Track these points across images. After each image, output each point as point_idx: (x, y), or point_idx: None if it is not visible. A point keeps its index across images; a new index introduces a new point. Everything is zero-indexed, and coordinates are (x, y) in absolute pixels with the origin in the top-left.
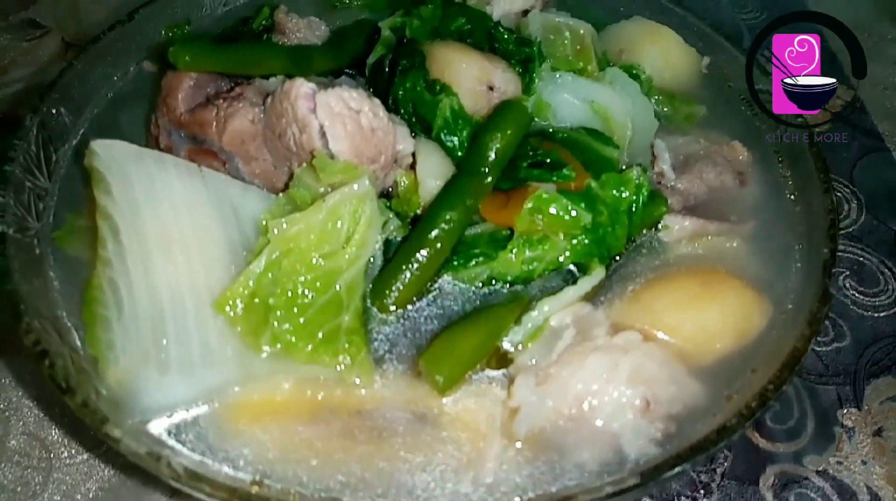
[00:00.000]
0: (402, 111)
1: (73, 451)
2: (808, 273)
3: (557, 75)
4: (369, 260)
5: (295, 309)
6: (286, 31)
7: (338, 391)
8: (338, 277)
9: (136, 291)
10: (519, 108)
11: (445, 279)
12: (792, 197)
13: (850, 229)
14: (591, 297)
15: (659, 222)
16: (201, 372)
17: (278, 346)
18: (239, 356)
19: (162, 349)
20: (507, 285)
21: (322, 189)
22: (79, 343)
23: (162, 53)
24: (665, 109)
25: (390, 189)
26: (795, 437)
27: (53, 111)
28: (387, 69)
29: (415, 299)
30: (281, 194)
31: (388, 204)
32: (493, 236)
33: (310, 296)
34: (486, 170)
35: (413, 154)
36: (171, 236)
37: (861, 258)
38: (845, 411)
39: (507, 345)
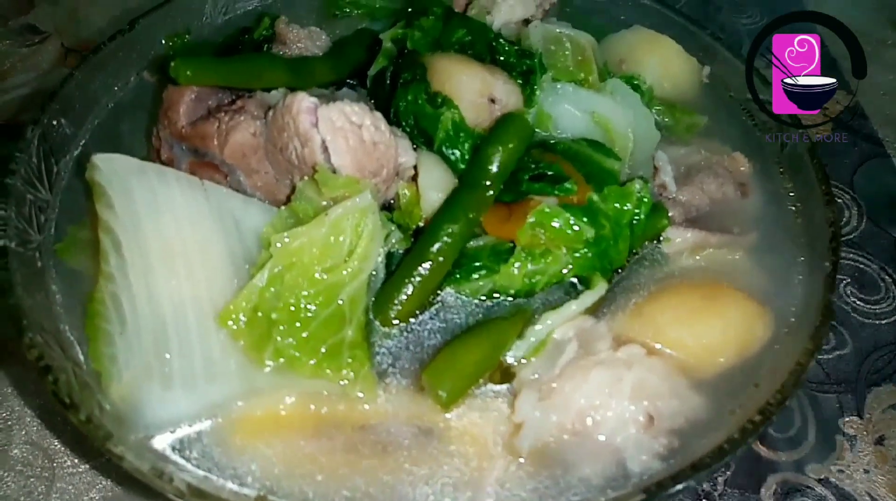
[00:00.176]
0: (404, 124)
1: (77, 460)
2: (810, 286)
3: (558, 86)
4: (372, 273)
5: (298, 323)
6: (287, 42)
7: (341, 405)
8: (340, 290)
9: (138, 305)
10: (520, 121)
11: (448, 292)
12: (793, 208)
13: (851, 236)
14: (594, 310)
15: (661, 235)
16: (204, 386)
17: (281, 360)
18: (242, 370)
19: (165, 364)
20: (510, 298)
21: (324, 202)
22: (82, 358)
23: (162, 66)
24: (666, 120)
25: (392, 201)
26: (797, 446)
27: (54, 122)
28: (388, 81)
29: (417, 312)
30: (283, 208)
31: (390, 216)
32: (495, 248)
33: (312, 310)
34: (488, 183)
35: (415, 167)
36: (173, 250)
37: (862, 266)
38: (847, 419)
39: (510, 359)
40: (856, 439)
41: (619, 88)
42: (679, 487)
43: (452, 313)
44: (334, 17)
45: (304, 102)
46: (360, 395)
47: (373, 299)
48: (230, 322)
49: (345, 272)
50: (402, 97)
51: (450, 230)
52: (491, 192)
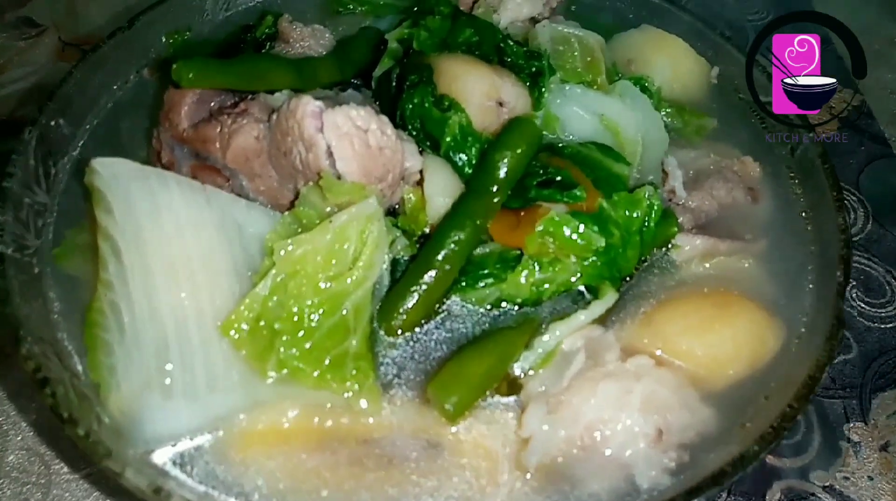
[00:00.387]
0: (410, 127)
1: (74, 466)
2: (820, 295)
3: (567, 88)
4: (376, 281)
5: (301, 333)
6: (290, 41)
7: (345, 418)
8: (345, 299)
9: (138, 314)
10: (529, 125)
11: (454, 301)
12: (803, 214)
13: (857, 238)
14: (603, 319)
15: (670, 242)
16: (206, 398)
17: (284, 371)
18: (245, 381)
19: (166, 374)
20: (517, 307)
21: (329, 208)
22: (80, 368)
23: (163, 65)
24: (675, 122)
25: (397, 206)
26: (802, 452)
27: (52, 123)
28: (394, 83)
29: (423, 321)
30: (287, 213)
31: (395, 222)
32: (502, 255)
33: (316, 320)
34: (496, 189)
35: (421, 171)
36: (174, 258)
37: (868, 268)
38: (852, 425)
39: (517, 371)
40: (860, 445)
41: (629, 91)
42: None
43: (458, 322)
44: (337, 14)
45: (308, 106)
46: (365, 408)
47: (378, 307)
48: (232, 332)
49: (349, 281)
50: (408, 100)
51: (456, 238)
52: (498, 198)
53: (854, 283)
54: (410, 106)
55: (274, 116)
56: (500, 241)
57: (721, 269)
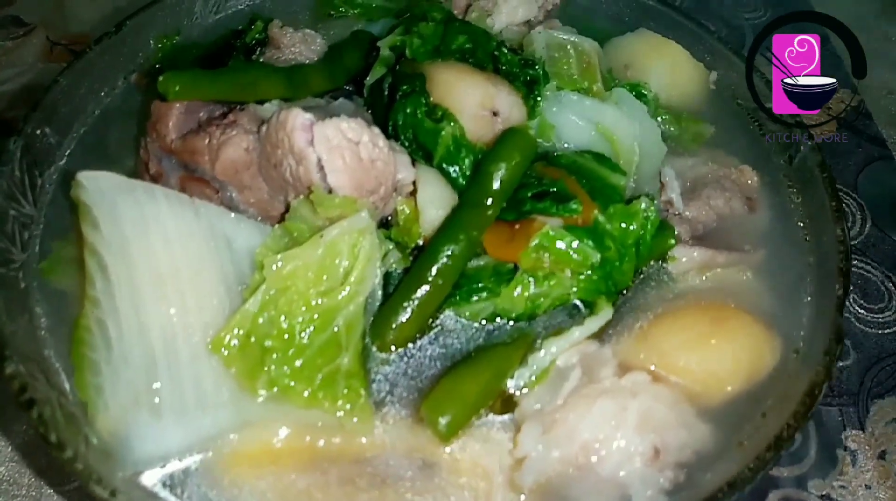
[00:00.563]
0: (403, 138)
1: (64, 479)
2: (818, 308)
3: (562, 95)
4: (369, 295)
5: (292, 351)
6: (281, 46)
7: (337, 437)
8: (336, 315)
9: (125, 331)
10: (524, 136)
11: (448, 315)
12: (802, 224)
13: (855, 242)
14: (599, 334)
15: (667, 253)
16: (196, 417)
17: (275, 390)
18: (235, 399)
19: (154, 393)
20: (512, 322)
21: (320, 222)
22: (67, 386)
23: (151, 72)
24: (672, 129)
25: (390, 218)
26: (798, 461)
27: (38, 132)
28: (386, 92)
29: (416, 336)
30: (277, 226)
31: (388, 234)
32: (496, 269)
33: (307, 336)
34: (490, 201)
35: (414, 182)
36: (162, 273)
37: (865, 273)
38: (849, 433)
39: (511, 388)
40: (857, 454)
41: (625, 99)
42: None
43: (452, 337)
44: (329, 17)
45: (298, 118)
46: (357, 427)
47: (370, 321)
48: (223, 349)
49: (340, 296)
50: (400, 110)
51: (450, 251)
52: (492, 211)
53: (852, 288)
54: (402, 116)
55: (264, 128)
56: (494, 255)
57: (718, 281)
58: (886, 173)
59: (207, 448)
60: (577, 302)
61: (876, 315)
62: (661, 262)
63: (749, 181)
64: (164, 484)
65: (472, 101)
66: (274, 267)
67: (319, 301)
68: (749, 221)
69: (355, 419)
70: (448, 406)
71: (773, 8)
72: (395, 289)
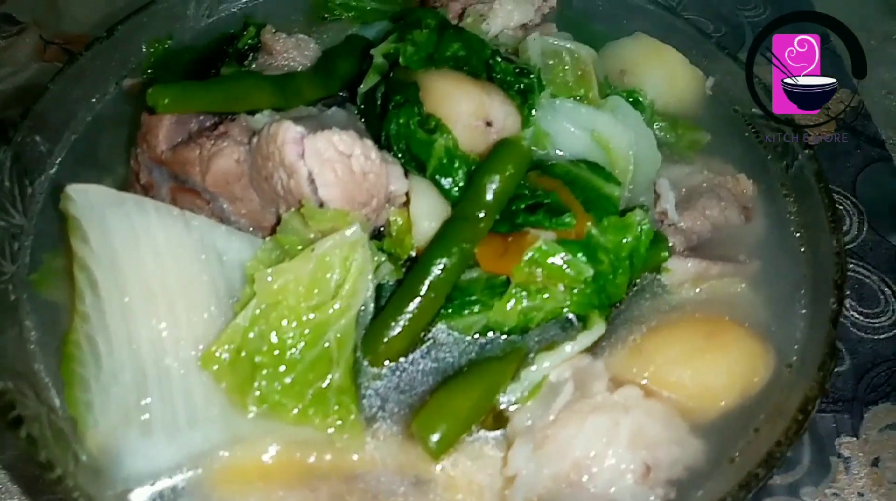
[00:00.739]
0: (395, 148)
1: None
2: (812, 321)
3: (557, 102)
4: (360, 308)
5: (282, 367)
6: (273, 52)
7: (328, 454)
8: (327, 329)
9: (115, 347)
10: (518, 148)
11: (440, 328)
12: (798, 234)
13: (851, 246)
14: (592, 347)
15: (661, 265)
16: (186, 434)
17: (265, 406)
18: (225, 415)
19: (144, 410)
20: (504, 335)
21: (311, 234)
22: (57, 402)
23: (142, 81)
24: (668, 136)
25: (382, 229)
26: (791, 468)
27: (28, 140)
28: (379, 101)
29: (408, 350)
30: (268, 239)
31: (381, 245)
32: (489, 282)
33: (298, 352)
34: (483, 214)
35: (406, 193)
36: (152, 288)
37: (861, 277)
38: (842, 440)
39: (503, 403)
40: (851, 460)
41: (621, 107)
42: None
43: (444, 350)
44: (323, 21)
45: (289, 131)
46: (347, 444)
47: (362, 333)
48: (213, 365)
49: (332, 310)
50: (393, 120)
51: (442, 264)
52: (485, 223)
53: (848, 292)
54: (395, 127)
55: (255, 139)
56: (487, 268)
57: (713, 292)
58: (885, 176)
59: (197, 465)
60: (570, 316)
61: (871, 320)
62: (654, 273)
63: (745, 190)
64: None
65: (466, 111)
66: (265, 281)
67: (310, 316)
68: (745, 230)
69: (346, 436)
70: (439, 423)
71: (772, 6)
72: (386, 302)
